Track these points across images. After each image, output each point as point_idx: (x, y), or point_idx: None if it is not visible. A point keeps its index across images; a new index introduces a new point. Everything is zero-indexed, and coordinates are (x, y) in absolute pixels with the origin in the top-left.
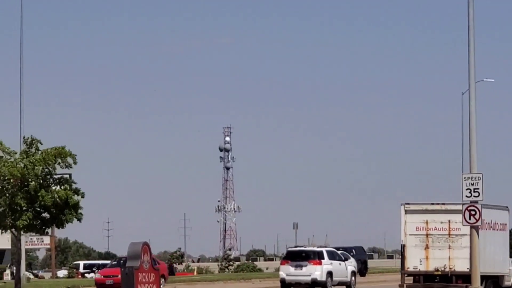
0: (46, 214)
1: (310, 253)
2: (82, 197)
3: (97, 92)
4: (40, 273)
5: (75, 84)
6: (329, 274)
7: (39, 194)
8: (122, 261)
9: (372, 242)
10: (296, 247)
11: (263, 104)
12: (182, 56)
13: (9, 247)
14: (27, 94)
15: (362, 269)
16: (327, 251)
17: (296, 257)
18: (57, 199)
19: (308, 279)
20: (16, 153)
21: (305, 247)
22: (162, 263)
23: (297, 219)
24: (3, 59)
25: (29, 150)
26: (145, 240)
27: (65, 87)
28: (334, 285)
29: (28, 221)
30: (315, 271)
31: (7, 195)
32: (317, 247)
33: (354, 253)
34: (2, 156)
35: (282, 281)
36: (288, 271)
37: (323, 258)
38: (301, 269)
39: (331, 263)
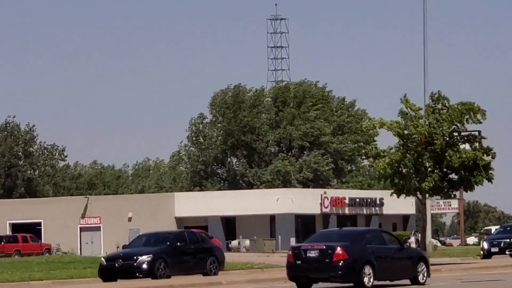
0: (453, 176)
1: None
2: (493, 157)
3: None
4: (448, 240)
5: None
6: None
7: (446, 154)
8: None
9: None
10: None
11: None
12: None
13: (414, 212)
14: (431, 48)
15: None
16: None
17: None
18: (465, 160)
19: None
20: (420, 109)
21: None
22: None
23: None
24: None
25: (435, 107)
26: None
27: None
28: None
29: (434, 183)
30: None
31: (413, 155)
32: None
33: None
34: (407, 114)
35: None
36: None
37: None
38: None
39: None
